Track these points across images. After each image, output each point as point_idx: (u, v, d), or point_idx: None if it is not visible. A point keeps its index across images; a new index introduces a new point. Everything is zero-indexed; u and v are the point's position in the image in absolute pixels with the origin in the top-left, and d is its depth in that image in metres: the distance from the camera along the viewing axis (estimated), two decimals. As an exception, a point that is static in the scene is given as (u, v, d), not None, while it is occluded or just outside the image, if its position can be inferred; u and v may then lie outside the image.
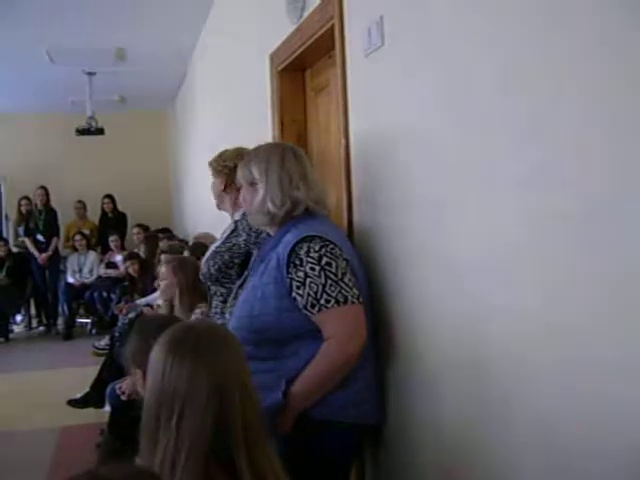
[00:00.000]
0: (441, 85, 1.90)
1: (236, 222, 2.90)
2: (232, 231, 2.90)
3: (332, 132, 3.06)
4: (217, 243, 3.03)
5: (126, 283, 7.73)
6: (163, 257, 4.89)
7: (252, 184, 2.32)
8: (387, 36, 2.21)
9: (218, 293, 2.93)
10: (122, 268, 8.33)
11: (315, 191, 2.30)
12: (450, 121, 1.86)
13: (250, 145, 2.52)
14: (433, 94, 1.94)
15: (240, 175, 2.38)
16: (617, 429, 1.28)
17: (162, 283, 3.70)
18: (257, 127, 3.94)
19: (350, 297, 2.10)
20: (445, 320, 1.93)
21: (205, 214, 7.19)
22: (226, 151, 3.03)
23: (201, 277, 3.03)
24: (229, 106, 5.43)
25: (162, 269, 3.69)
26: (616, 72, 1.26)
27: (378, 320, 2.32)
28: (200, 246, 5.13)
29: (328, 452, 2.16)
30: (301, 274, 2.11)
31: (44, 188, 9.20)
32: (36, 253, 8.94)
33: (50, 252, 8.96)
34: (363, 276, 2.28)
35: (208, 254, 3.02)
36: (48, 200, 9.21)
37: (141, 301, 5.88)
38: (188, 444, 1.37)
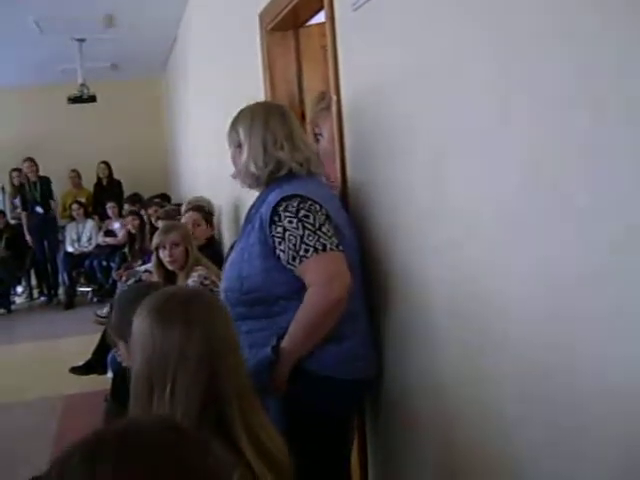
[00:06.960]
0: (430, 40, 1.87)
1: None
2: None
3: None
4: None
5: (125, 250, 7.74)
6: (160, 223, 4.88)
7: (239, 146, 2.31)
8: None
9: None
10: (120, 234, 8.33)
11: (303, 152, 2.29)
12: (439, 73, 1.83)
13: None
14: (422, 48, 1.91)
15: (229, 139, 2.36)
16: (616, 389, 1.26)
17: (175, 252, 3.59)
18: (251, 88, 3.89)
19: (329, 245, 2.10)
20: (444, 273, 1.92)
21: (201, 179, 7.17)
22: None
23: None
24: (222, 68, 5.37)
25: (170, 236, 3.61)
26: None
27: (375, 275, 2.31)
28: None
29: (325, 408, 2.17)
30: (280, 229, 2.12)
31: (31, 160, 9.07)
32: (27, 235, 8.95)
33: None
34: (353, 234, 2.28)
35: None
36: (38, 170, 9.11)
37: (140, 267, 5.89)
38: (182, 411, 1.36)
